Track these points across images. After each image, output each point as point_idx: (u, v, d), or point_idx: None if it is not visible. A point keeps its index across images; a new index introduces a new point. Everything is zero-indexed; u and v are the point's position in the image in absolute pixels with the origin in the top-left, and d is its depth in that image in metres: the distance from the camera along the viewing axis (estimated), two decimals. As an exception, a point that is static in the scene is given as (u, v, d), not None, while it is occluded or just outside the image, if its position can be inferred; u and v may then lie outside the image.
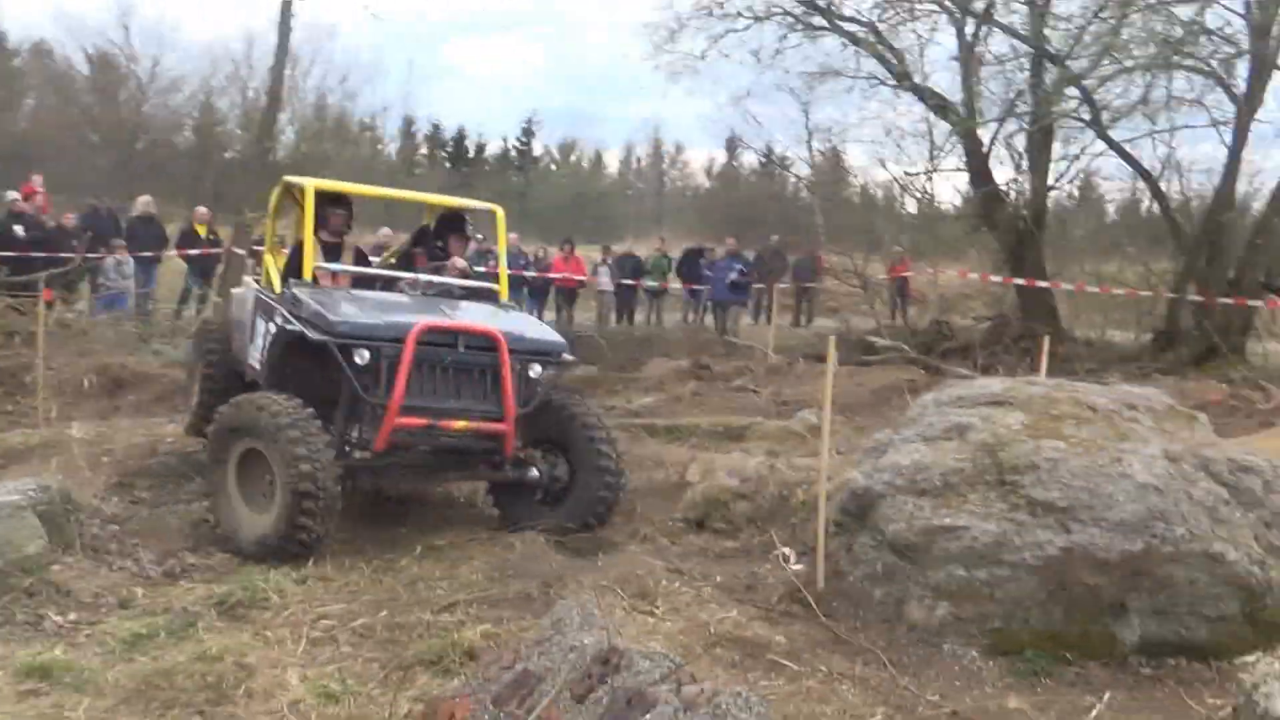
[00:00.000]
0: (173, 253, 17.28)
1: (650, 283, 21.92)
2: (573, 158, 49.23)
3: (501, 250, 8.48)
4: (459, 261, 8.19)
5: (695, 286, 21.10)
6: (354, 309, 6.85)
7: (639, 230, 35.26)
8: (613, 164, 50.65)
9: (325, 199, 7.94)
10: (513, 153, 48.34)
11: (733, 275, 19.04)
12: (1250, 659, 4.79)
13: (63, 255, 15.21)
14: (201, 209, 18.56)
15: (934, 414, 6.74)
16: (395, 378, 6.42)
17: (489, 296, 8.06)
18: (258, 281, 8.56)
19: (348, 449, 6.82)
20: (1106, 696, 5.17)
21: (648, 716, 3.45)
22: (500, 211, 8.38)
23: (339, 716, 4.53)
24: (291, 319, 6.87)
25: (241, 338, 8.08)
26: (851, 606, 6.09)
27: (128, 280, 16.01)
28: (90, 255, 15.81)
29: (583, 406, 7.53)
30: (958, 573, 5.75)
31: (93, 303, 15.86)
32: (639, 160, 51.07)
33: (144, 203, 17.54)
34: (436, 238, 8.35)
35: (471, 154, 47.19)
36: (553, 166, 48.15)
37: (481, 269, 11.19)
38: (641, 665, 3.71)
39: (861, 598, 6.12)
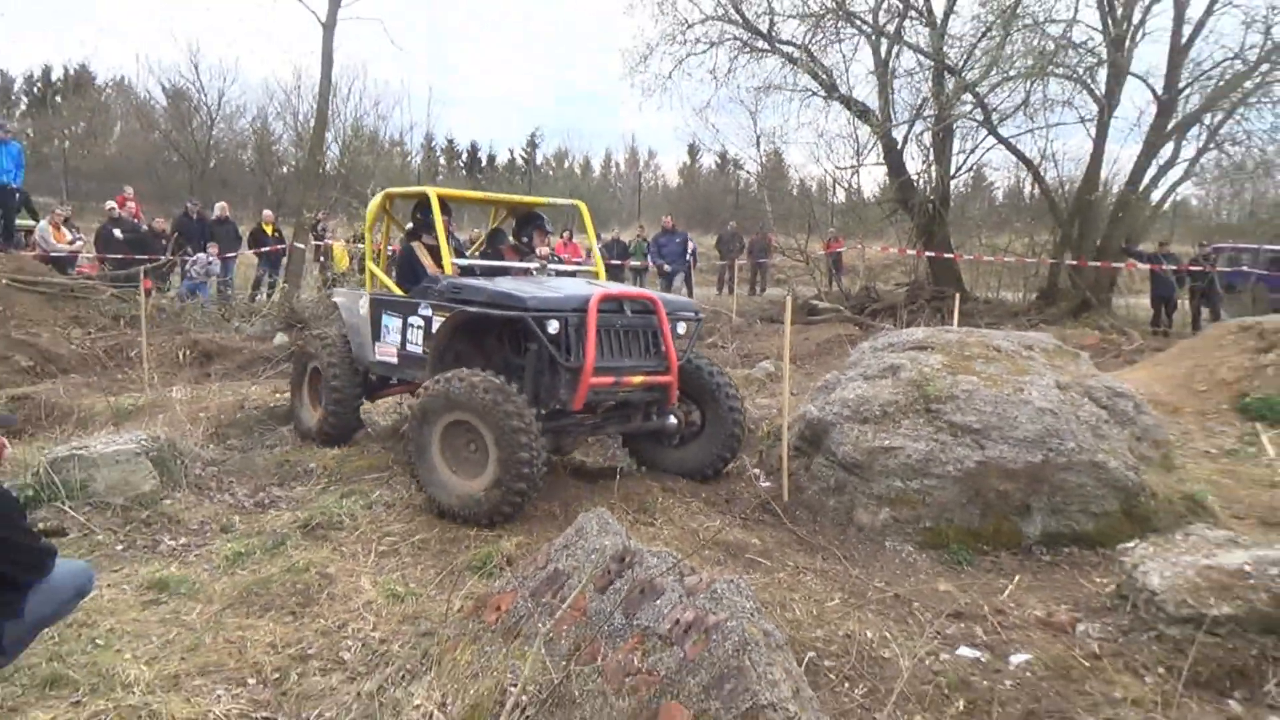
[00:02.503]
0: (246, 251, 17.15)
1: (634, 263, 21.80)
2: (566, 164, 48.79)
3: (590, 236, 7.97)
4: (544, 250, 7.71)
5: (667, 266, 20.95)
6: (528, 289, 6.15)
7: (622, 221, 35.04)
8: (598, 168, 50.34)
9: (427, 206, 7.26)
10: (519, 161, 47.97)
11: (690, 248, 18.61)
12: (1129, 545, 4.86)
13: (160, 258, 15.11)
14: (267, 212, 18.43)
15: (871, 358, 6.75)
16: (585, 342, 5.86)
17: (589, 277, 7.52)
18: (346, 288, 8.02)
19: (541, 413, 6.06)
20: (1016, 579, 5.23)
21: (658, 601, 3.46)
22: (584, 206, 7.91)
23: (404, 612, 4.53)
24: (464, 304, 6.25)
25: (358, 339, 7.46)
26: (810, 514, 6.13)
27: (211, 277, 15.85)
28: (187, 255, 15.71)
29: (709, 360, 7.00)
30: (895, 484, 5.79)
31: (180, 289, 15.69)
32: (618, 165, 50.74)
33: (221, 208, 17.36)
34: (520, 234, 7.74)
35: (484, 163, 46.77)
36: (550, 173, 47.65)
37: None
38: (650, 562, 3.71)
39: (818, 507, 6.15)
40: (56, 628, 3.92)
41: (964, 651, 4.20)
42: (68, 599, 3.61)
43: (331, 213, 19.03)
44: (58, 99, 38.22)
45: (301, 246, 15.83)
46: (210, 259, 15.73)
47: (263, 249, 16.97)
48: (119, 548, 5.29)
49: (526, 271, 7.13)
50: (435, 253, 7.19)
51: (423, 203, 7.43)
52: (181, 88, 33.03)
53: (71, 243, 14.92)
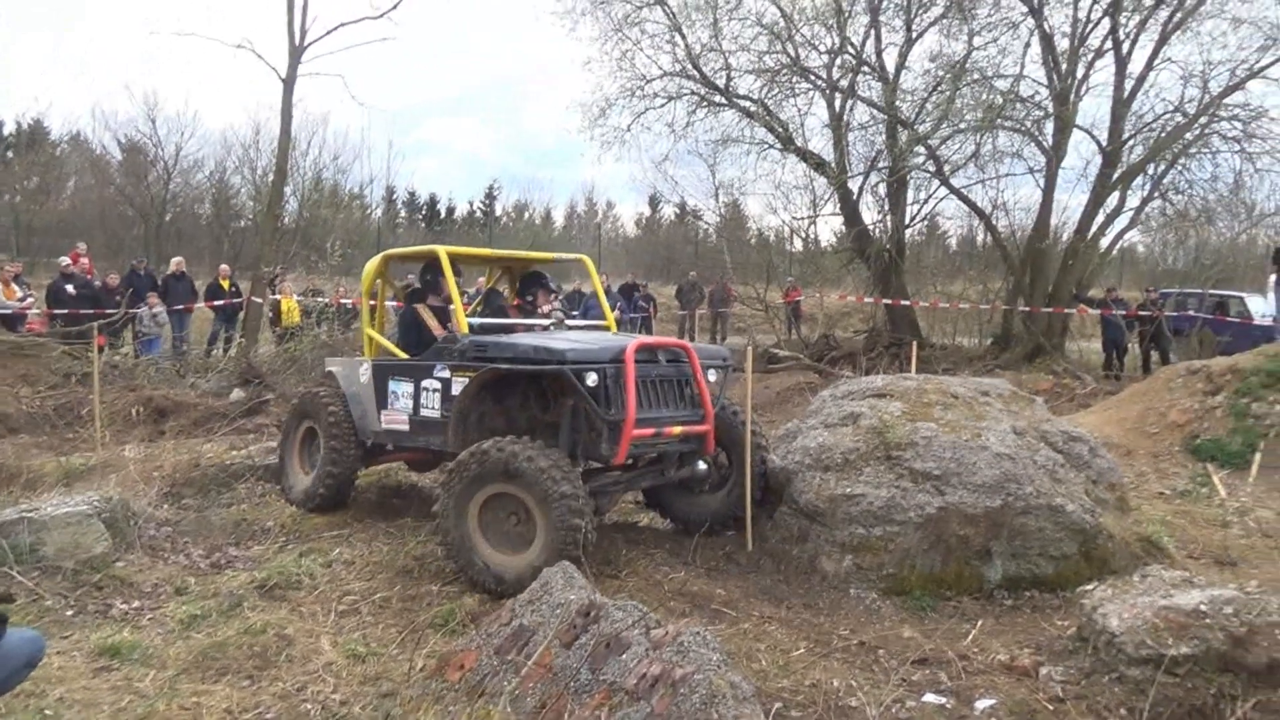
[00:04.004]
0: (202, 304, 16.98)
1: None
2: (526, 216, 48.93)
3: (598, 288, 7.80)
4: (547, 308, 7.43)
5: (631, 315, 20.97)
6: (561, 342, 5.89)
7: (582, 272, 35.15)
8: (559, 219, 50.56)
9: (435, 267, 6.99)
10: (478, 214, 48.01)
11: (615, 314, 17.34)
12: (1089, 588, 4.91)
13: (109, 312, 14.89)
14: (224, 267, 18.33)
15: (831, 406, 6.81)
16: (625, 393, 5.57)
17: (601, 329, 7.38)
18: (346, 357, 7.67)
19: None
20: (979, 624, 5.26)
21: (624, 656, 3.45)
22: (589, 260, 7.79)
23: (366, 673, 4.46)
24: (491, 361, 5.98)
25: (360, 409, 7.17)
26: (775, 563, 6.14)
27: (162, 327, 15.65)
28: (132, 310, 15.48)
29: (734, 404, 6.80)
30: (858, 531, 5.82)
31: (135, 346, 15.46)
32: (579, 215, 51.02)
33: (176, 262, 17.19)
34: (524, 292, 7.54)
35: (443, 216, 46.76)
36: (509, 224, 47.74)
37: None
38: (616, 615, 3.71)
39: (782, 556, 6.16)
40: (4, 698, 3.80)
41: (930, 698, 4.20)
42: (17, 669, 3.50)
43: (290, 267, 18.91)
44: (9, 154, 37.77)
45: (259, 301, 15.71)
46: (156, 311, 15.54)
47: (219, 303, 16.82)
48: (69, 613, 5.15)
49: (532, 328, 6.96)
50: (440, 314, 7.04)
51: (428, 263, 7.25)
52: (138, 142, 32.83)
53: (21, 300, 14.69)
